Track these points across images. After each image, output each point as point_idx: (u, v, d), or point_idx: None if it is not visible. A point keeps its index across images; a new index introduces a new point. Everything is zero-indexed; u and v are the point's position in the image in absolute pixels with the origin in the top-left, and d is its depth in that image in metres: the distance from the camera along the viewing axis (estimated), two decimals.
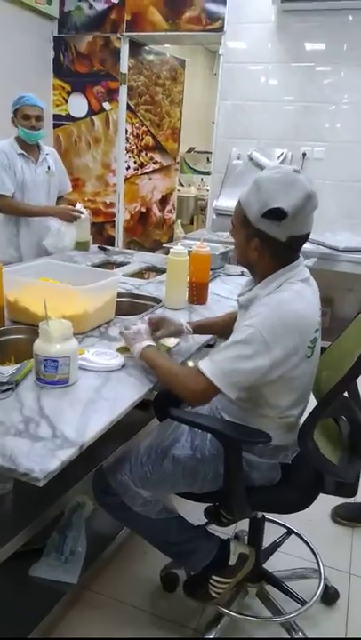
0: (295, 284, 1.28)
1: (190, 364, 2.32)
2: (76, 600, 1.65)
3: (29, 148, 2.74)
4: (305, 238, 1.29)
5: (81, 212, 2.74)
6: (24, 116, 2.62)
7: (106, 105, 4.49)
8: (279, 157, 3.75)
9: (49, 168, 2.82)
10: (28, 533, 1.32)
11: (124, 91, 4.44)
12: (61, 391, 1.32)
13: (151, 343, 1.43)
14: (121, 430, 1.54)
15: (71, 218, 2.71)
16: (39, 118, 2.66)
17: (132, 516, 1.42)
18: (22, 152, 2.70)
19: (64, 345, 1.32)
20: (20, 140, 2.71)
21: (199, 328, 1.68)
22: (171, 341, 1.65)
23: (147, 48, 4.64)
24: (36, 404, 1.25)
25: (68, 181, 3.08)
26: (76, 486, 1.47)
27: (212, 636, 1.51)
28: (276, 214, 1.20)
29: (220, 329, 1.69)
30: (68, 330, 1.35)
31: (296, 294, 1.25)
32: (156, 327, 1.55)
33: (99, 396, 1.32)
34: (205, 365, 1.24)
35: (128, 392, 1.34)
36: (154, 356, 1.40)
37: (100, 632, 1.58)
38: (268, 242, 1.25)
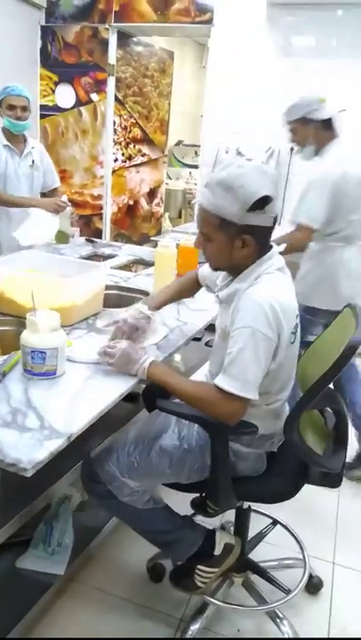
0: (272, 274, 1.30)
1: (177, 357, 2.33)
2: (63, 591, 1.66)
3: (15, 140, 2.71)
4: (277, 217, 1.32)
5: (66, 204, 2.71)
6: (9, 106, 2.59)
7: (94, 96, 4.45)
8: (267, 151, 3.76)
9: (33, 162, 2.79)
10: (14, 525, 1.32)
11: (112, 82, 4.41)
12: (49, 382, 1.32)
13: (151, 359, 1.37)
14: (109, 423, 1.55)
15: (57, 209, 2.68)
16: (25, 109, 2.63)
17: (118, 504, 1.43)
18: (7, 144, 2.68)
19: (52, 336, 1.32)
20: (5, 131, 2.68)
21: (162, 304, 1.66)
22: (157, 336, 1.65)
23: (135, 39, 4.61)
24: (23, 396, 1.25)
25: (56, 176, 3.03)
26: (63, 478, 1.48)
27: (197, 626, 1.53)
28: (263, 202, 1.22)
29: (181, 295, 1.74)
30: (55, 321, 1.34)
31: (276, 283, 1.28)
32: (130, 334, 1.50)
33: (87, 387, 1.32)
34: (229, 384, 1.21)
35: (116, 384, 1.35)
36: (163, 376, 1.33)
37: (88, 622, 1.59)
38: (257, 233, 1.26)
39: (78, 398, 1.26)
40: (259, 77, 3.89)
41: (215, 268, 1.40)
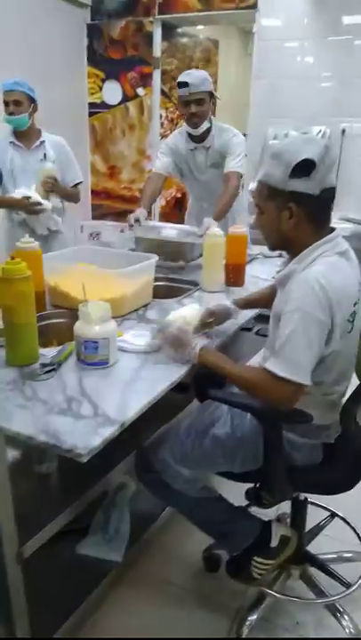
0: (331, 257, 1.25)
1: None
2: (120, 578, 1.69)
3: (21, 135, 2.59)
4: (334, 191, 1.27)
5: (39, 204, 2.53)
6: (3, 102, 2.49)
7: (140, 90, 4.48)
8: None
9: (45, 156, 2.63)
10: (72, 511, 1.35)
11: (157, 75, 4.41)
12: (102, 372, 1.34)
13: (201, 343, 1.37)
14: (161, 414, 1.55)
15: (29, 211, 2.55)
16: (18, 103, 2.48)
17: (172, 493, 1.43)
18: (13, 140, 2.58)
19: (103, 326, 1.34)
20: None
21: (247, 304, 1.70)
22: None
23: (179, 30, 4.59)
24: (77, 385, 1.27)
25: (78, 171, 2.80)
26: (118, 467, 1.50)
27: (255, 617, 1.51)
28: (304, 167, 1.19)
29: (266, 302, 1.68)
30: (106, 312, 1.36)
31: (331, 267, 1.23)
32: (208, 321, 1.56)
33: (138, 376, 1.33)
34: (280, 368, 1.18)
35: (166, 373, 1.35)
36: (215, 360, 1.34)
37: (144, 610, 1.61)
38: (304, 202, 1.23)
39: (130, 387, 1.27)
40: (306, 60, 3.78)
41: (271, 246, 1.38)
